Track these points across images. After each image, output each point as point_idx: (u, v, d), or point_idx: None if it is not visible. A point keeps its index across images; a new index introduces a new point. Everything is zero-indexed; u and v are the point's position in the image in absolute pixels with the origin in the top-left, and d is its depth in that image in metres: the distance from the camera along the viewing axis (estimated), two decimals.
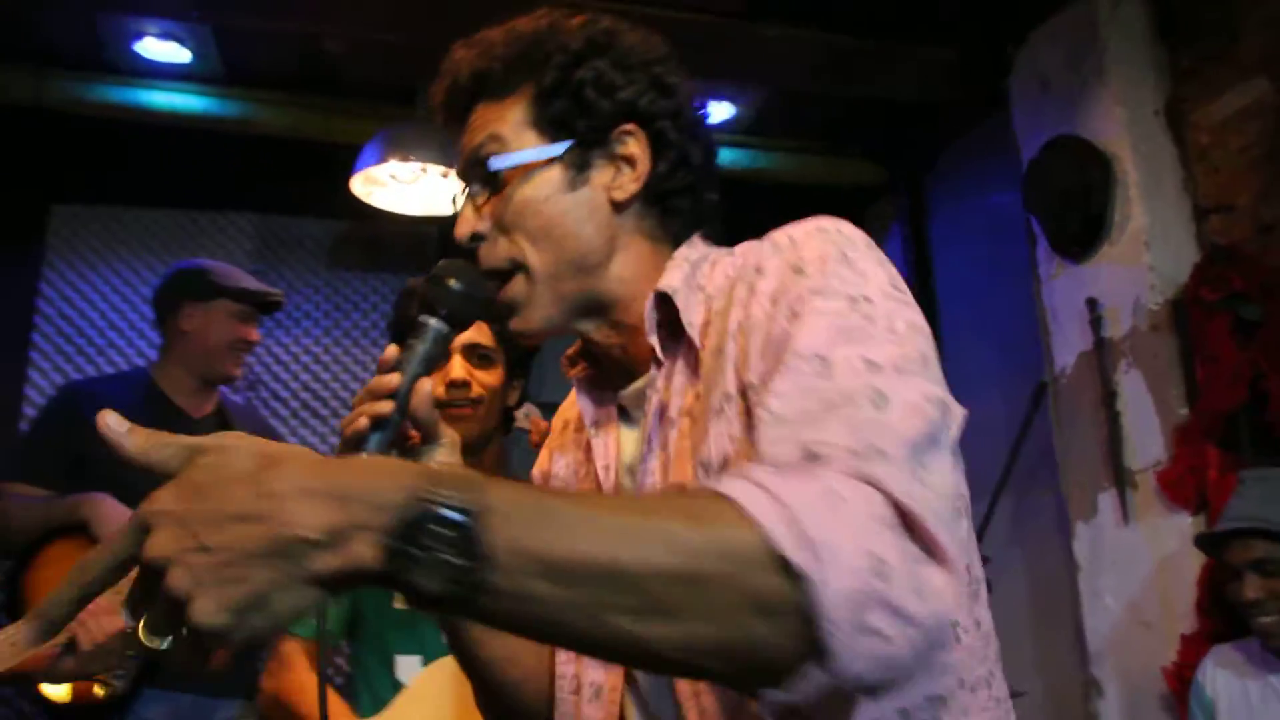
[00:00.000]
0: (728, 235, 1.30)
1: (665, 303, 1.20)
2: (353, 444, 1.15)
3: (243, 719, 3.14)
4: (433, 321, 1.19)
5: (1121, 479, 3.22)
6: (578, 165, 1.21)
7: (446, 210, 3.77)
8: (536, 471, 1.46)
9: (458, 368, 2.22)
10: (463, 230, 1.23)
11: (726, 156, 4.39)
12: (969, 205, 4.36)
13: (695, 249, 1.26)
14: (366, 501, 0.75)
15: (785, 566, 0.77)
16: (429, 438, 1.22)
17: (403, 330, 2.26)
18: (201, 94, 3.98)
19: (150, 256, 4.23)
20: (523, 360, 2.34)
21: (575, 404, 1.41)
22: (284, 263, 4.39)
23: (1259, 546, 2.65)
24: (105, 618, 2.38)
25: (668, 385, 1.20)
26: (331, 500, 0.75)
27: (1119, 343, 3.27)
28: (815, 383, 0.95)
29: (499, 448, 2.35)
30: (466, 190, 1.25)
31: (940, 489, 0.89)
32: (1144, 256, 3.19)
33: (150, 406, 3.16)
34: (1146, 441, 3.18)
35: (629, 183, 1.22)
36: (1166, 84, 3.29)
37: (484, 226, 1.22)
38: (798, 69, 3.86)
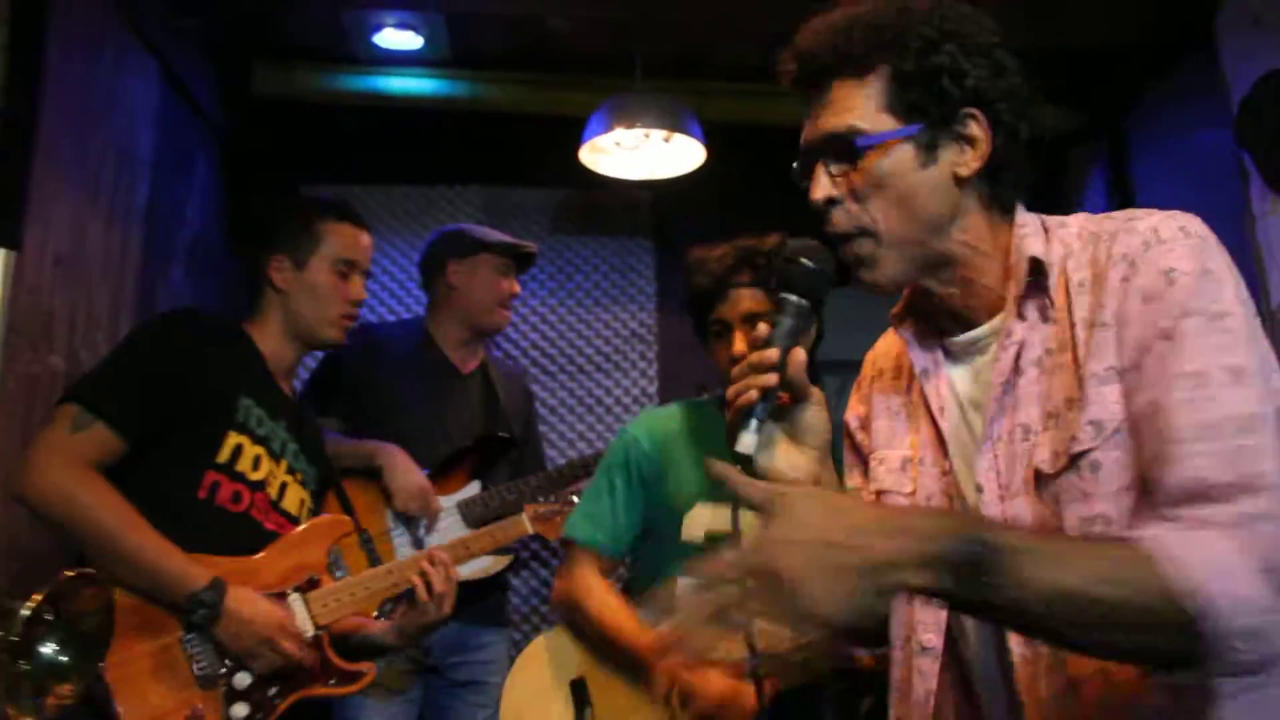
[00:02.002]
0: None
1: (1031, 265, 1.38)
2: (745, 413, 1.37)
3: (499, 645, 3.44)
4: (793, 298, 1.41)
5: None
6: (928, 145, 1.37)
7: (666, 173, 4.02)
8: (851, 415, 1.67)
9: (739, 341, 2.44)
10: (819, 195, 1.40)
11: None
12: (1172, 146, 4.33)
13: (1026, 218, 1.43)
14: (929, 539, 1.09)
15: (1192, 613, 1.08)
16: (800, 398, 1.43)
17: (699, 300, 2.49)
18: (433, 77, 4.27)
19: (387, 230, 4.54)
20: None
21: (887, 353, 1.63)
22: (510, 230, 4.61)
23: None
24: (443, 571, 2.62)
25: (1009, 335, 1.38)
26: (903, 536, 1.10)
27: None
28: (1194, 395, 1.20)
29: None
30: (819, 159, 1.41)
31: None
32: None
33: (425, 357, 3.48)
34: None
35: (972, 161, 1.38)
36: None
37: (838, 193, 1.39)
38: (994, 18, 3.89)
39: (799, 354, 1.39)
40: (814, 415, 1.44)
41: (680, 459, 2.56)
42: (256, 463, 2.48)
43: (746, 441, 1.36)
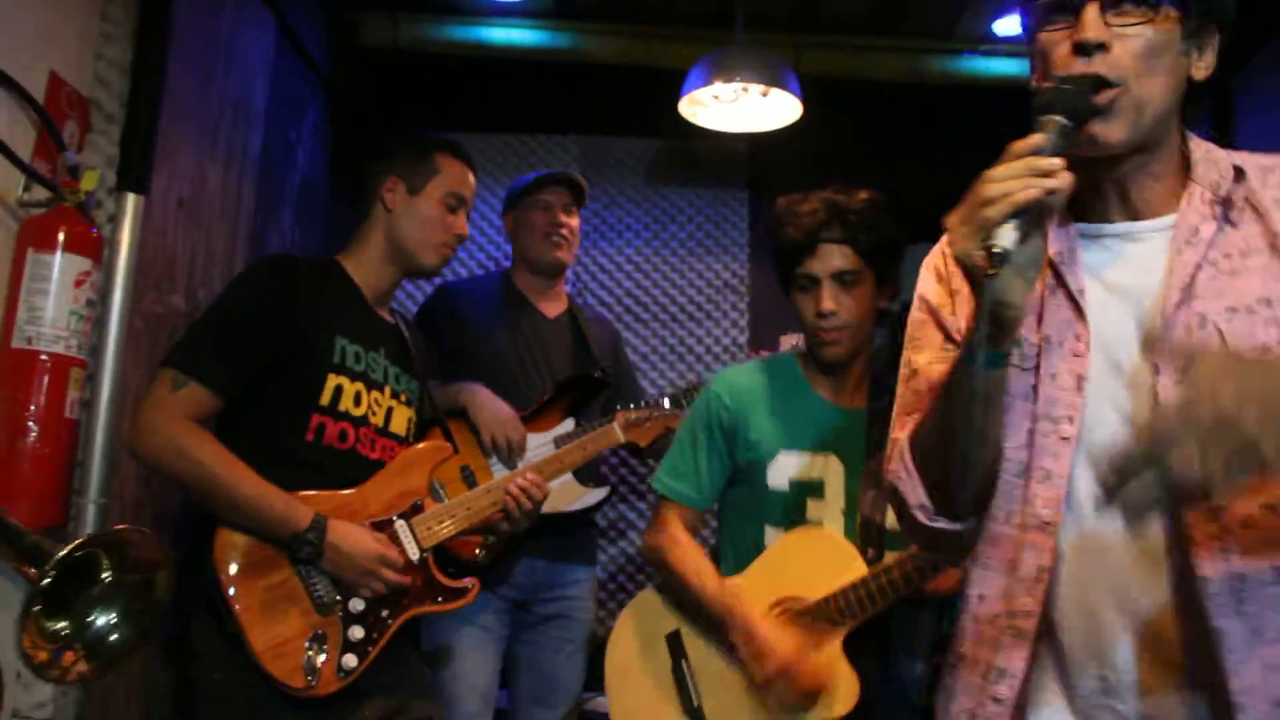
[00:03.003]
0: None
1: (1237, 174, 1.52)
2: (1019, 210, 1.30)
3: (586, 583, 3.57)
4: (1057, 118, 1.37)
5: None
6: (1188, 38, 1.48)
7: (762, 127, 4.06)
8: (930, 292, 1.70)
9: (826, 299, 2.51)
10: (1091, 35, 1.43)
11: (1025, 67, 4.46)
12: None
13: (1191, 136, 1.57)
14: None
15: None
16: (1039, 224, 1.38)
17: (788, 252, 2.56)
18: (536, 28, 4.37)
19: (487, 177, 4.62)
20: (889, 265, 2.59)
21: None
22: (606, 179, 4.76)
23: None
24: (536, 491, 2.84)
25: (1189, 235, 1.49)
26: None
27: None
28: None
29: (867, 351, 2.64)
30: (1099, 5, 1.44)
31: None
32: None
33: (509, 303, 3.61)
34: None
35: (1204, 69, 1.51)
36: None
37: (1108, 39, 1.43)
38: None
39: (1068, 176, 1.35)
40: (1040, 249, 1.40)
41: (761, 410, 2.65)
42: (358, 399, 2.63)
43: (1007, 237, 1.30)
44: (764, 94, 3.89)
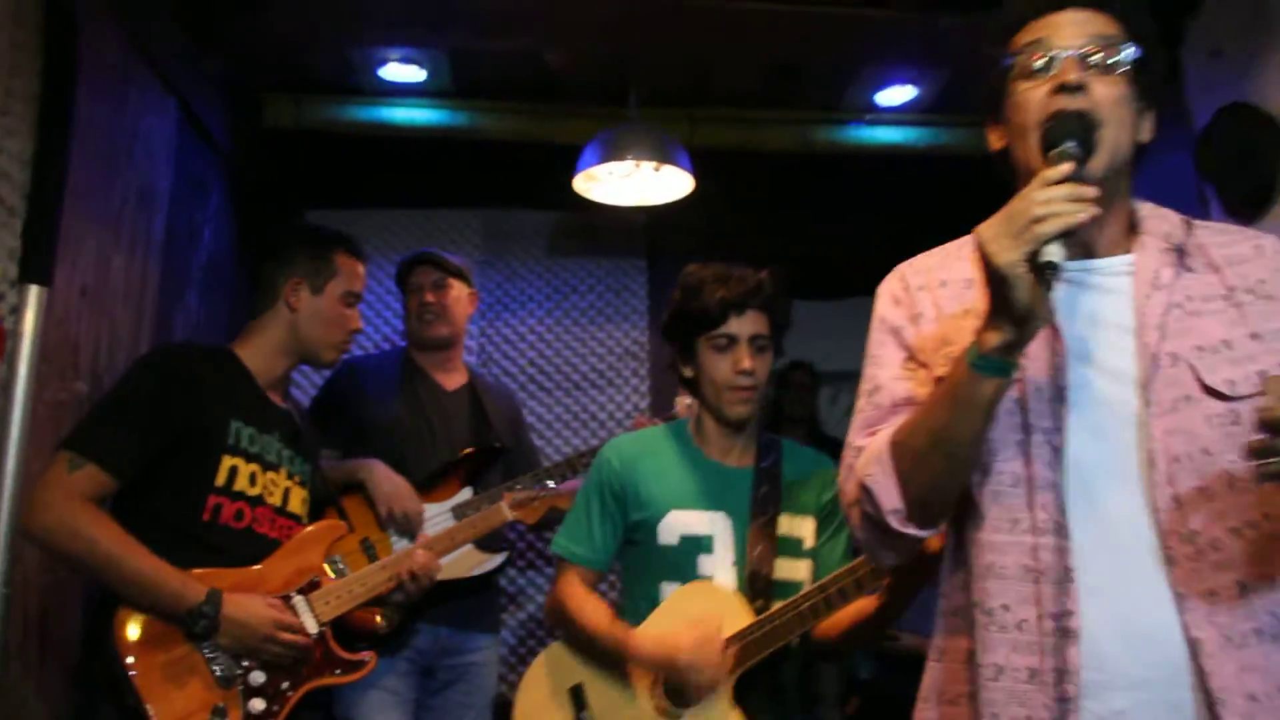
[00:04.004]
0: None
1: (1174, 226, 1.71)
2: (1070, 230, 1.42)
3: (489, 649, 3.65)
4: (1073, 148, 1.52)
5: None
6: (1142, 99, 1.65)
7: (656, 200, 4.21)
8: (892, 314, 1.80)
9: (747, 358, 2.68)
10: (1074, 77, 1.58)
11: (911, 135, 4.69)
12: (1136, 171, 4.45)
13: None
14: None
15: None
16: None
17: (714, 311, 2.67)
18: (435, 108, 4.51)
19: (391, 251, 4.71)
20: (782, 337, 2.79)
21: (944, 267, 1.81)
22: (508, 251, 4.88)
23: None
24: (430, 569, 2.98)
25: (1154, 278, 1.64)
26: None
27: None
28: None
29: (756, 416, 2.81)
30: (1072, 54, 1.61)
31: None
32: None
33: (408, 378, 3.71)
34: None
35: (1146, 134, 1.68)
36: None
37: (1087, 80, 1.59)
38: (971, 54, 4.06)
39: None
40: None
41: (651, 472, 2.78)
42: (253, 479, 2.70)
43: (1058, 253, 1.42)
44: (656, 169, 4.04)
